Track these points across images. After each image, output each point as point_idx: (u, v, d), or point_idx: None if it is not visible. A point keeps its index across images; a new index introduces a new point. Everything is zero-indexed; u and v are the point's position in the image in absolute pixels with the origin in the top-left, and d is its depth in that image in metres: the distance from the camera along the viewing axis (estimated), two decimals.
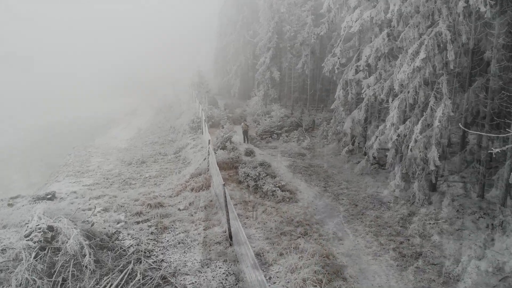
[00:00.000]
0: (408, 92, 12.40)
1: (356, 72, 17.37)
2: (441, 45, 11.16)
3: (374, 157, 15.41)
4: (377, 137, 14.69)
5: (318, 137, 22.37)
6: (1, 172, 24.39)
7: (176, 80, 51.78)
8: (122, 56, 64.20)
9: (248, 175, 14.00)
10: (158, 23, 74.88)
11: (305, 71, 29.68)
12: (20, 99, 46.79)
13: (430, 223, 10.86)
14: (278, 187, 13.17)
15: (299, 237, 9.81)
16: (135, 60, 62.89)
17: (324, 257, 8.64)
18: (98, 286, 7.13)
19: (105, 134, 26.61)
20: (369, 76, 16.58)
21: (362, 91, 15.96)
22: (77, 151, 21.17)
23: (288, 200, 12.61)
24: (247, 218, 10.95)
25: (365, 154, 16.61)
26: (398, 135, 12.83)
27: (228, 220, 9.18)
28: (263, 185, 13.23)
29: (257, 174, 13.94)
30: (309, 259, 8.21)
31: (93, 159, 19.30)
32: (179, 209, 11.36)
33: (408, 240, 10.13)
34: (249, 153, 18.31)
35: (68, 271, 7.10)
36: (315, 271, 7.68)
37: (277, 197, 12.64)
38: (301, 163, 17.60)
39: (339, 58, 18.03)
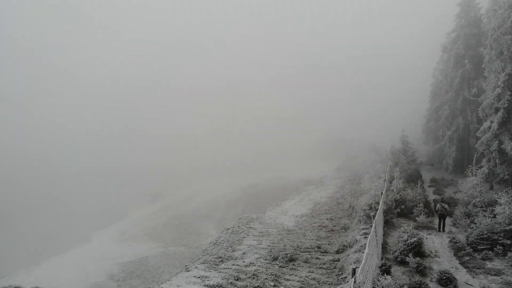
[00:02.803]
0: None
1: None
2: None
3: None
4: None
5: None
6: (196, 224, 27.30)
7: (377, 143, 45.78)
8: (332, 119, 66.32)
9: None
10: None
11: None
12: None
13: None
14: None
15: None
16: (342, 121, 62.78)
17: None
18: None
19: (278, 206, 24.77)
20: None
21: None
22: (239, 224, 19.99)
23: None
24: None
25: None
26: None
27: None
28: None
29: None
30: None
31: (246, 240, 17.12)
32: None
33: None
34: (446, 281, 10.04)
35: None
36: None
37: None
38: None
39: None
